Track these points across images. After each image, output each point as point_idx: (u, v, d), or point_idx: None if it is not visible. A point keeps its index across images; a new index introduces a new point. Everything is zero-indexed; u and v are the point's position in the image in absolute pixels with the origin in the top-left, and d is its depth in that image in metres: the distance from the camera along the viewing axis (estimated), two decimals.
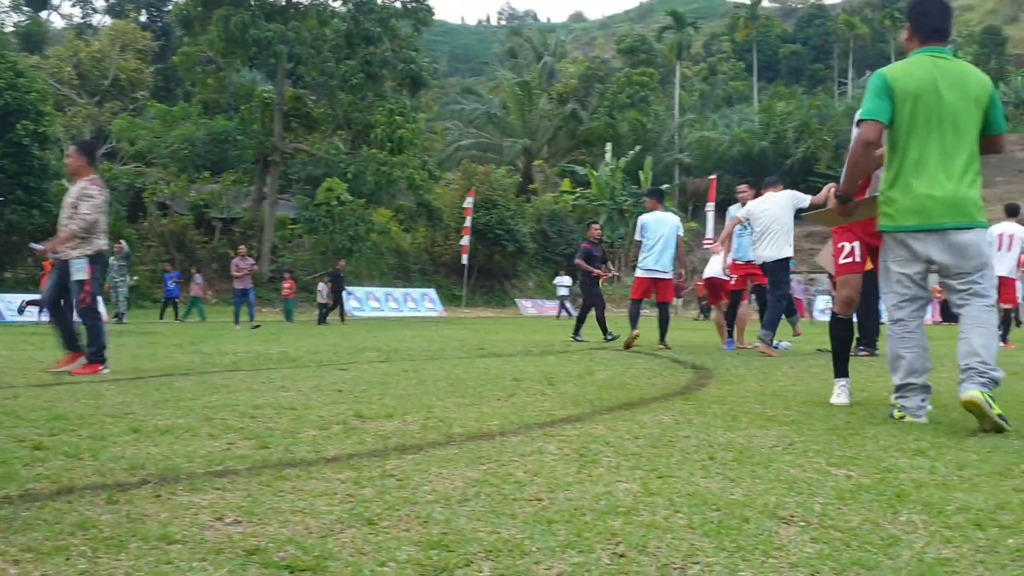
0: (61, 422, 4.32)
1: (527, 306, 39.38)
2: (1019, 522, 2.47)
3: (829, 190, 6.83)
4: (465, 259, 35.08)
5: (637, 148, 52.97)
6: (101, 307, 10.26)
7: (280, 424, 4.31)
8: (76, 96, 42.49)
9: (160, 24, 56.31)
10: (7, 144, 27.68)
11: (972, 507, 2.64)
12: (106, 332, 7.76)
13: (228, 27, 30.32)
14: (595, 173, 49.91)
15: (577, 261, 13.89)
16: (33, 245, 13.38)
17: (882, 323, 11.23)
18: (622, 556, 2.14)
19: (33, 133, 28.18)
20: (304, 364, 8.53)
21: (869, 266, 5.31)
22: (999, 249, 12.19)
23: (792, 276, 12.59)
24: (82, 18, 62.28)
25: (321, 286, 25.38)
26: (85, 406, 4.99)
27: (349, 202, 32.86)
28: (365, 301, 32.14)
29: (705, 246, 30.83)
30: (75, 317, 7.82)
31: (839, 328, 5.45)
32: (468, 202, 35.31)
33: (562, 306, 32.93)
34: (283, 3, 33.12)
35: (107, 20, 59.16)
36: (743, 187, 11.50)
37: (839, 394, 5.34)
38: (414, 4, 35.00)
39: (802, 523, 2.45)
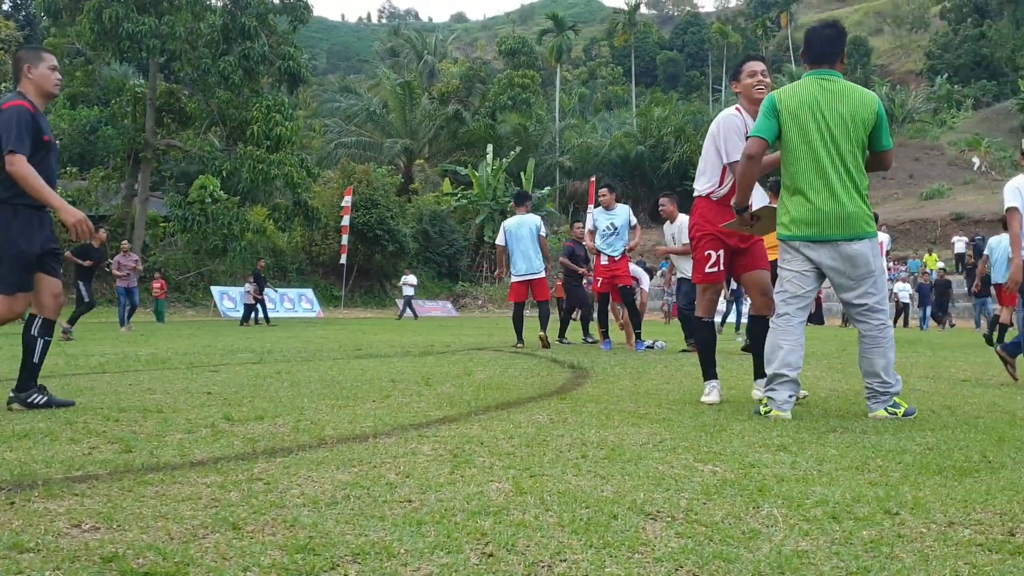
0: None
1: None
2: (873, 515, 2.57)
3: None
4: (344, 259, 34.66)
5: (518, 149, 53.30)
6: None
7: (145, 427, 4.17)
8: None
9: (24, 14, 53.95)
10: None
11: (829, 500, 2.73)
12: None
13: (100, 19, 29.21)
14: (477, 174, 50.01)
15: (562, 260, 13.75)
16: None
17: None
18: (491, 556, 2.14)
19: None
20: (174, 366, 8.28)
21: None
22: None
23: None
24: None
25: (248, 286, 24.73)
26: None
27: (223, 200, 32.07)
28: (239, 302, 31.39)
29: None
30: None
31: (703, 331, 5.66)
32: (347, 201, 34.90)
33: (408, 306, 31.82)
34: None
35: None
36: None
37: (709, 392, 5.49)
38: (292, 0, 34.40)
39: (668, 518, 2.50)
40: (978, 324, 24.87)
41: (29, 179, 4.70)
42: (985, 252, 13.27)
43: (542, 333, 11.71)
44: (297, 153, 34.16)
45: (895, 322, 26.53)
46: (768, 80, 5.41)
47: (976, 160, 57.07)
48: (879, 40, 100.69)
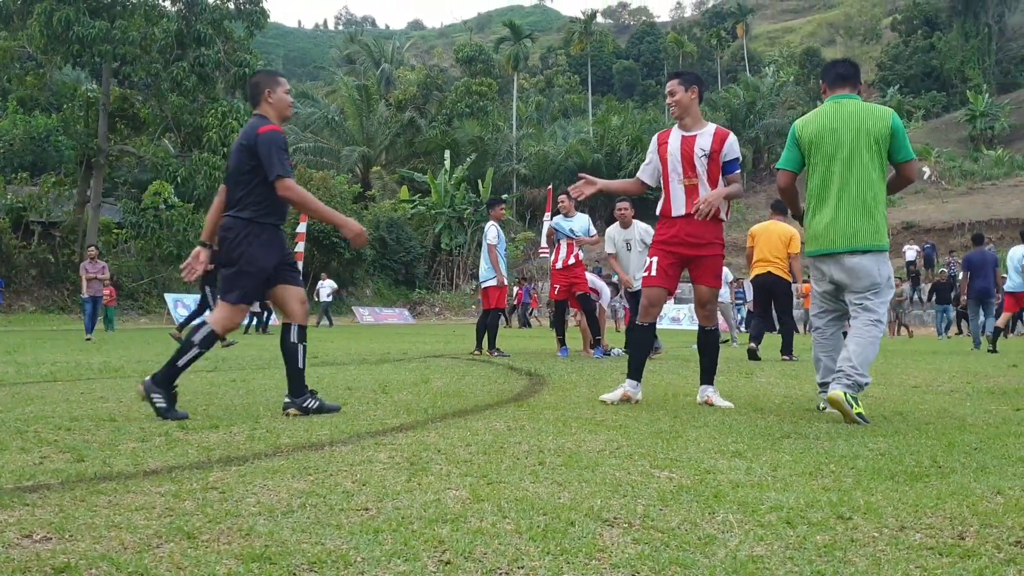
0: None
1: (364, 314, 38.99)
2: (827, 519, 2.61)
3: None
4: (300, 266, 34.43)
5: (474, 156, 53.33)
6: None
7: (98, 436, 4.11)
8: None
9: None
10: None
11: (784, 506, 2.76)
12: None
13: (50, 23, 28.77)
14: (435, 181, 49.96)
15: None
16: None
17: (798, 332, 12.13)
18: (448, 563, 2.13)
19: None
20: (127, 374, 8.16)
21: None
22: None
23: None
24: None
25: None
26: None
27: (178, 206, 31.73)
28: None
29: (541, 255, 31.21)
30: None
31: (638, 334, 5.89)
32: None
33: (325, 313, 31.02)
34: (109, 0, 31.70)
35: None
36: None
37: (617, 391, 5.75)
38: (248, 6, 34.12)
39: (625, 524, 2.51)
40: (940, 332, 25.22)
41: (308, 202, 5.10)
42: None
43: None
44: None
45: None
46: (678, 98, 5.69)
47: (926, 170, 58.03)
48: (832, 51, 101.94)
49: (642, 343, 5.86)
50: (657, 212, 5.79)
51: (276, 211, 5.11)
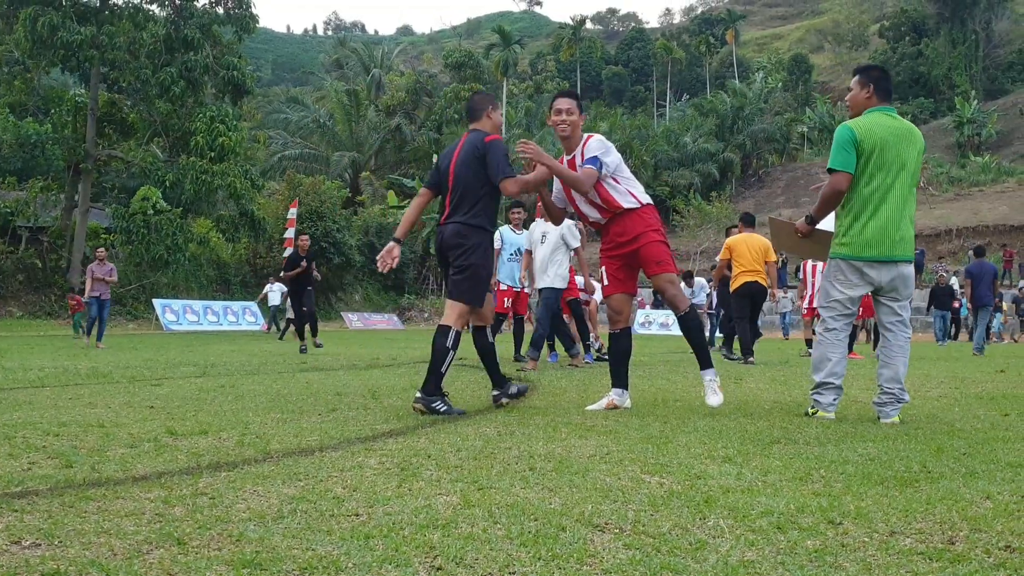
0: None
1: (353, 319, 38.93)
2: (817, 524, 2.61)
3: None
4: (288, 252, 34.18)
5: None
6: None
7: (86, 442, 4.09)
8: None
9: None
10: None
11: (774, 511, 2.76)
12: None
13: (35, 28, 28.68)
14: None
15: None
16: None
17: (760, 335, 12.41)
18: (439, 569, 2.13)
19: None
20: (115, 380, 8.13)
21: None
22: None
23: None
24: None
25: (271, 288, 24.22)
26: None
27: (166, 211, 31.65)
28: (182, 315, 30.97)
29: None
30: None
31: (613, 342, 5.87)
32: (292, 213, 34.58)
33: (273, 319, 29.87)
34: (97, 5, 31.61)
35: None
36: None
37: (602, 400, 5.76)
38: (237, 10, 34.07)
39: (616, 530, 2.51)
40: (939, 338, 25.17)
41: (530, 181, 5.57)
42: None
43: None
44: (241, 164, 33.83)
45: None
46: (572, 119, 5.75)
47: None
48: (820, 57, 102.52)
49: (619, 351, 5.83)
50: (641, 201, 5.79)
51: (494, 220, 5.69)
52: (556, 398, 6.45)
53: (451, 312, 5.59)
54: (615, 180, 5.66)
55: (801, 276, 15.16)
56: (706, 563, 2.20)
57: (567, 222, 10.12)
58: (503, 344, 11.84)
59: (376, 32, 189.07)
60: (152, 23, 32.32)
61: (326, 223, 39.26)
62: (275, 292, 29.52)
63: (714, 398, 5.66)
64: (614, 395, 5.73)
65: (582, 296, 12.23)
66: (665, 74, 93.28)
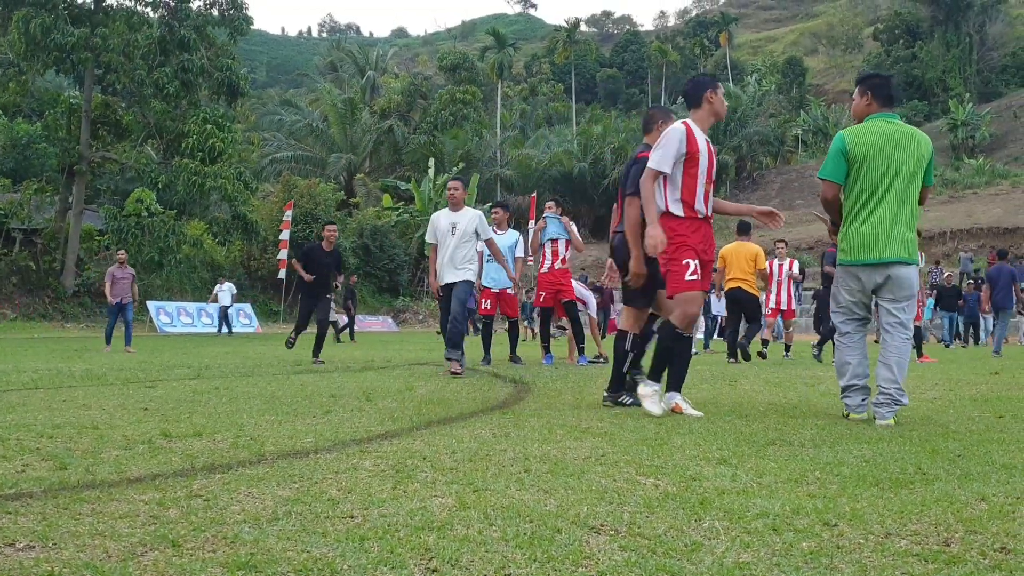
0: None
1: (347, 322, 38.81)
2: (812, 526, 2.61)
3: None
4: (283, 274, 34.20)
5: (460, 165, 53.29)
6: None
7: (81, 444, 4.08)
8: None
9: None
10: None
11: (770, 512, 2.76)
12: None
13: (28, 30, 28.63)
14: (419, 189, 49.88)
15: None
16: None
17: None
18: (435, 571, 2.12)
19: None
20: (109, 382, 8.11)
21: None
22: None
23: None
24: None
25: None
26: None
27: (160, 213, 31.59)
28: (176, 317, 30.91)
29: (528, 263, 30.98)
30: None
31: (679, 343, 5.65)
32: (287, 215, 34.57)
33: (223, 320, 29.06)
34: (91, 7, 31.56)
35: None
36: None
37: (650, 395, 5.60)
38: (231, 12, 34.03)
39: (611, 532, 2.51)
40: (947, 341, 25.10)
41: (646, 204, 5.51)
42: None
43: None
44: (234, 166, 33.78)
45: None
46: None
47: None
48: (814, 60, 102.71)
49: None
50: (670, 208, 5.54)
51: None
52: (551, 400, 6.44)
53: (628, 317, 6.00)
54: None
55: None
56: (702, 565, 2.20)
57: (479, 213, 9.58)
58: (475, 348, 11.83)
59: (371, 34, 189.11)
60: (147, 25, 32.27)
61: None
62: (224, 292, 28.99)
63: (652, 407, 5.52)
64: (677, 398, 5.70)
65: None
66: (660, 77, 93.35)
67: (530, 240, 12.14)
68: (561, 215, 11.55)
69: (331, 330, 20.72)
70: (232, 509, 2.76)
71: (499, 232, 11.39)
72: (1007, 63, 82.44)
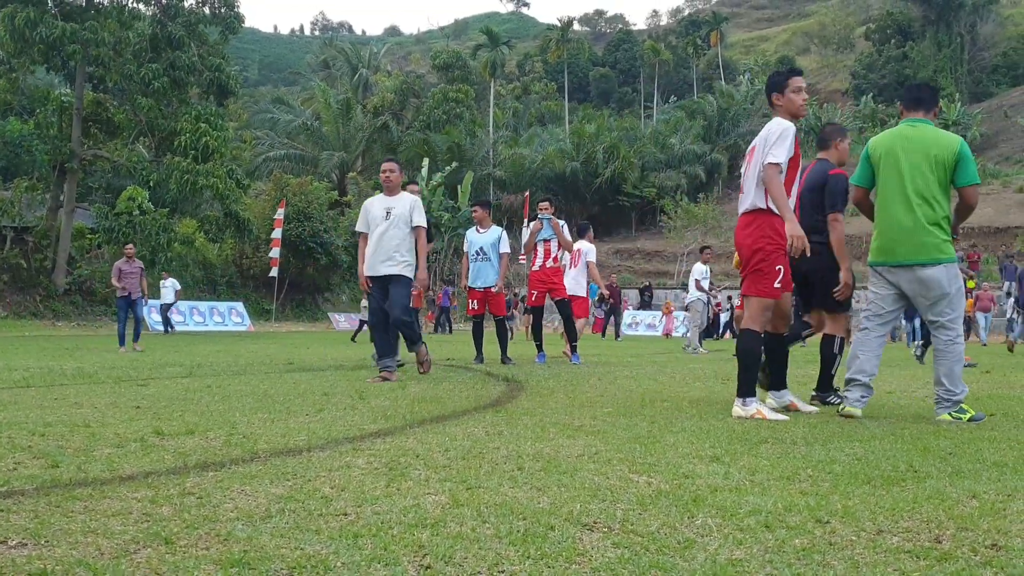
0: None
1: (340, 320, 38.81)
2: (805, 523, 2.62)
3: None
4: (275, 272, 34.12)
5: (454, 164, 53.26)
6: None
7: (72, 442, 4.07)
8: None
9: None
10: None
11: (762, 510, 2.77)
12: None
13: (15, 25, 28.52)
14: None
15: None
16: None
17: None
18: (428, 568, 2.13)
19: None
20: (100, 380, 8.09)
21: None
22: None
23: None
24: None
25: (364, 303, 23.76)
26: None
27: (151, 212, 31.51)
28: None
29: (521, 261, 31.00)
30: None
31: (770, 343, 5.81)
32: (279, 213, 34.49)
33: (166, 321, 27.77)
34: (82, 3, 31.44)
35: None
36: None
37: (772, 407, 5.61)
38: (223, 10, 33.94)
39: (604, 529, 2.52)
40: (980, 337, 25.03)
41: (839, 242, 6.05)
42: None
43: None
44: (226, 164, 33.71)
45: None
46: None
47: None
48: (806, 60, 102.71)
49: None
50: (771, 206, 5.42)
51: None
52: (544, 399, 6.45)
53: (833, 323, 6.32)
54: None
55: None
56: (694, 561, 2.21)
57: (416, 198, 8.71)
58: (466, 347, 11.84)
59: (364, 32, 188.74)
60: (138, 20, 32.16)
61: (313, 224, 39.15)
62: (168, 289, 27.52)
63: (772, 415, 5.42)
64: (790, 397, 5.85)
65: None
66: (652, 76, 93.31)
67: (524, 241, 12.11)
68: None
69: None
70: (225, 507, 2.76)
71: (481, 230, 11.30)
72: (998, 63, 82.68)
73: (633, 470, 3.44)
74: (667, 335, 33.30)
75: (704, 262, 17.28)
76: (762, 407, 5.35)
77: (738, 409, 5.34)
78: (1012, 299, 20.57)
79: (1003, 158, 65.00)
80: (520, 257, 31.33)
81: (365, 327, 16.34)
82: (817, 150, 6.48)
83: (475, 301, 11.40)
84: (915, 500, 2.96)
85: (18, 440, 4.10)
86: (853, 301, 6.43)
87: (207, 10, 33.73)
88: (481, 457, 3.71)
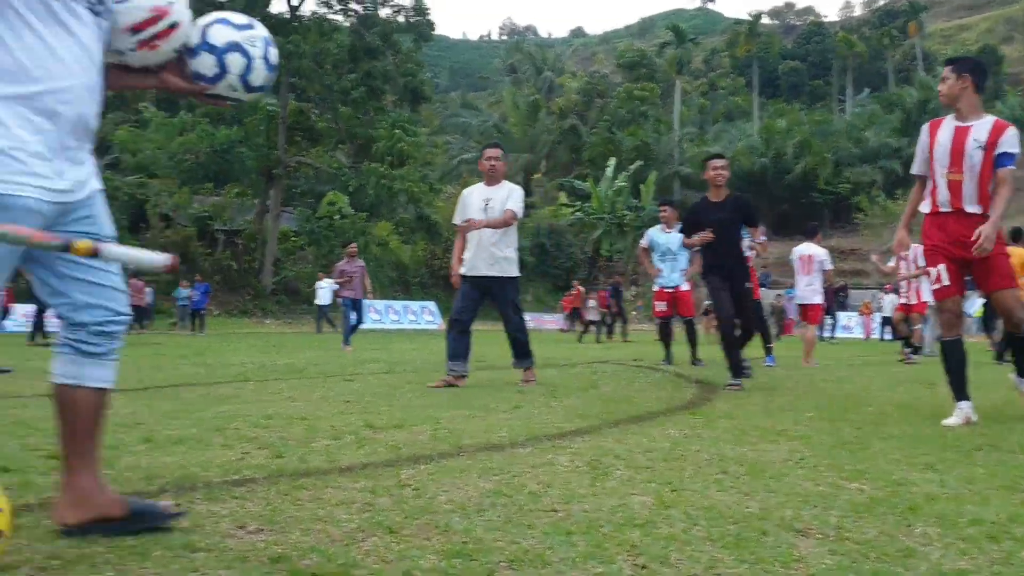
0: None
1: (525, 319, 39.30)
2: None
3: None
4: None
5: (638, 163, 53.02)
6: None
7: (293, 434, 4.31)
8: None
9: None
10: None
11: (985, 520, 2.65)
12: None
13: None
14: (596, 187, 49.93)
15: None
16: None
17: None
18: (644, 567, 2.15)
19: None
20: (310, 375, 8.54)
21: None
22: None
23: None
24: None
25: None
26: None
27: (350, 216, 32.89)
28: (365, 314, 32.05)
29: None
30: None
31: (948, 350, 5.35)
32: None
33: (323, 316, 27.07)
34: (287, 17, 33.17)
35: None
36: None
37: (956, 416, 5.16)
38: (416, 19, 35.06)
39: (819, 535, 2.47)
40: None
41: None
42: None
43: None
44: (420, 169, 34.79)
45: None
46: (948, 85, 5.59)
47: None
48: (1010, 48, 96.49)
49: (960, 359, 5.32)
50: (924, 208, 5.36)
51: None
52: (740, 402, 6.34)
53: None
54: None
55: None
56: (917, 571, 2.14)
57: (518, 188, 7.87)
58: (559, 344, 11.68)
59: (549, 35, 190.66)
60: (338, 32, 33.63)
61: None
62: (324, 290, 25.63)
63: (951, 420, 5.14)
64: (966, 408, 5.22)
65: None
66: (845, 68, 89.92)
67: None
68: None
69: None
70: (439, 499, 2.87)
71: (667, 230, 11.09)
72: None
73: (842, 477, 3.35)
74: (866, 337, 31.99)
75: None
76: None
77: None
78: None
79: None
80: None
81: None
82: None
83: (664, 303, 11.26)
84: None
85: (243, 431, 4.38)
86: None
87: (401, 18, 34.93)
88: (683, 459, 3.70)
